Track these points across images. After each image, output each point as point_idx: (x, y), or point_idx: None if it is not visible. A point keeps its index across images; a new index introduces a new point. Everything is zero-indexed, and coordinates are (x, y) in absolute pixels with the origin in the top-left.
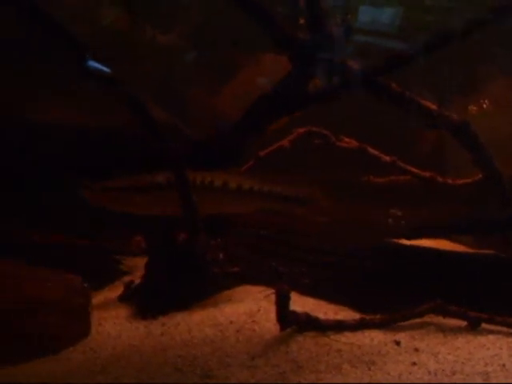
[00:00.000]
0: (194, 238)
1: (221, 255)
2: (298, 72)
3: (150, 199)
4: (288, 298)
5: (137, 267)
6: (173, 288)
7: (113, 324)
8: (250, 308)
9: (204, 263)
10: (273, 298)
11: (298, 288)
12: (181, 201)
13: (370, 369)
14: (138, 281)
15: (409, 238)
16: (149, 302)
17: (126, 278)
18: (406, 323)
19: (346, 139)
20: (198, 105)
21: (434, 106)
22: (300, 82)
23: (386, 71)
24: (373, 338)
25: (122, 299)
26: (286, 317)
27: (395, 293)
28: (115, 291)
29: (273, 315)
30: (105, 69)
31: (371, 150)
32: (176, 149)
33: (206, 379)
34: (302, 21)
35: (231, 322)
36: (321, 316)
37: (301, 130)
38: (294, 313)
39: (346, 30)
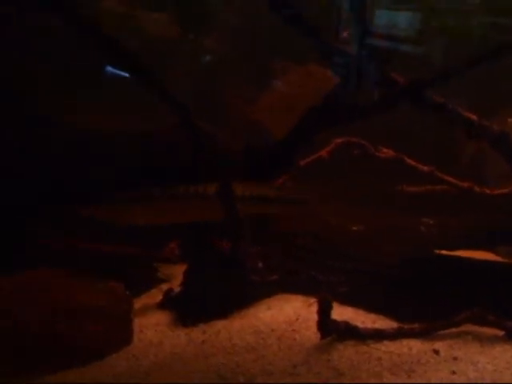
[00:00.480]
0: (236, 247)
1: (260, 263)
2: (345, 84)
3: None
4: (330, 307)
5: (174, 275)
6: (213, 296)
7: (154, 331)
8: (289, 316)
9: (244, 271)
10: (312, 306)
11: (335, 297)
12: (224, 210)
13: (410, 377)
14: (176, 288)
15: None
16: (189, 310)
17: (164, 286)
18: (444, 332)
19: (384, 149)
20: (235, 112)
21: (474, 117)
22: (347, 95)
23: (432, 85)
24: (411, 347)
25: (162, 306)
26: (327, 325)
27: (432, 302)
28: (153, 298)
29: (312, 323)
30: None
31: (408, 161)
32: (222, 159)
33: None
34: (344, 34)
35: (272, 330)
36: (359, 325)
37: (339, 141)
38: (334, 321)
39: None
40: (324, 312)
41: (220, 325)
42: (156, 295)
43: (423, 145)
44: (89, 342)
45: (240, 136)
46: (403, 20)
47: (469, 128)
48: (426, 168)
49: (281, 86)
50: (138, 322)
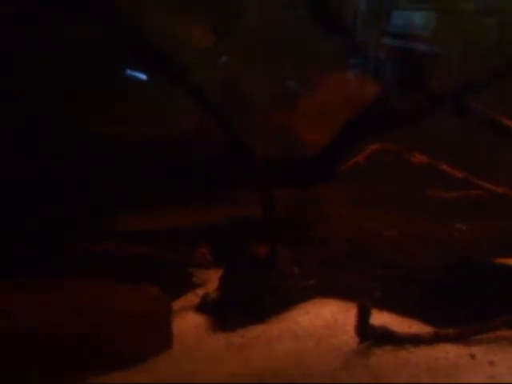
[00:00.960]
0: (275, 253)
1: (296, 268)
2: (386, 93)
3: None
4: (369, 312)
5: (208, 279)
6: (251, 300)
7: (193, 335)
8: (326, 320)
9: (281, 276)
10: (348, 311)
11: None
12: (264, 216)
13: (448, 381)
14: (212, 293)
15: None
16: (227, 314)
17: (199, 290)
18: (480, 337)
19: (418, 155)
20: (269, 121)
21: None
22: (389, 103)
23: (471, 92)
24: (448, 352)
25: (199, 310)
26: (365, 330)
27: (467, 307)
28: (189, 303)
29: (349, 328)
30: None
31: (443, 166)
32: (264, 168)
33: None
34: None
35: (310, 335)
36: (395, 329)
37: (374, 147)
38: (372, 326)
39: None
40: (363, 317)
41: (258, 329)
42: (192, 299)
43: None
44: (130, 346)
45: (275, 143)
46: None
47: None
48: (459, 173)
49: (317, 93)
50: (176, 326)
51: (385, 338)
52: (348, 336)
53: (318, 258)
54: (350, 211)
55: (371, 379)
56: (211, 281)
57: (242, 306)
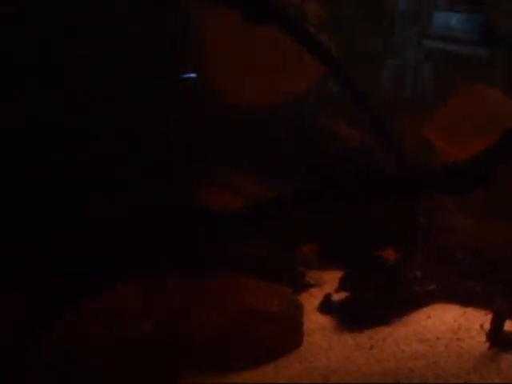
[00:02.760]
0: (408, 259)
1: (419, 273)
2: None
3: None
4: (505, 318)
5: (322, 279)
6: (377, 303)
7: (321, 335)
8: (450, 325)
9: (406, 280)
10: (469, 316)
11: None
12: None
13: None
14: (334, 294)
15: None
16: (355, 316)
17: (314, 290)
18: None
19: None
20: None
21: None
22: None
23: None
24: None
25: (321, 311)
26: (498, 335)
27: None
28: (307, 303)
29: (474, 333)
30: None
31: None
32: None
33: None
34: None
35: (438, 338)
36: None
37: None
38: (504, 332)
39: None
40: (498, 322)
41: (385, 331)
42: (308, 299)
43: None
44: (264, 345)
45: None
46: None
47: None
48: None
49: (454, 105)
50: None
51: None
52: (474, 341)
53: (441, 263)
54: (467, 219)
55: (504, 382)
56: (326, 281)
57: (368, 307)
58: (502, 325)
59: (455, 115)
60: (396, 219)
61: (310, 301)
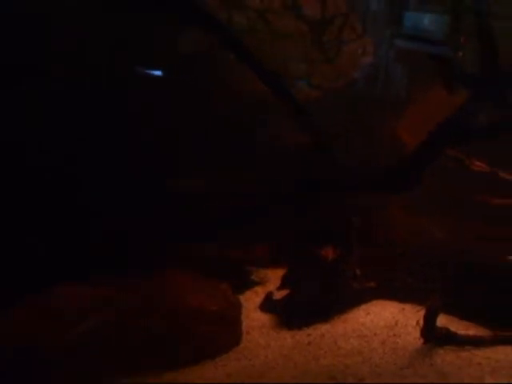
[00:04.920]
0: (346, 256)
1: (358, 270)
2: (469, 106)
3: None
4: (437, 314)
5: (267, 278)
6: (315, 300)
7: (260, 333)
8: (388, 321)
9: (344, 278)
10: (407, 312)
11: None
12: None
13: (510, 382)
14: (275, 292)
15: None
16: (293, 313)
17: (259, 289)
18: None
19: (477, 163)
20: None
21: None
22: (471, 116)
23: None
24: (507, 354)
25: (262, 309)
26: (431, 331)
27: None
28: (250, 301)
29: (410, 329)
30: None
31: (502, 174)
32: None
33: None
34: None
35: (375, 334)
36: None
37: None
38: (436, 327)
39: None
40: (431, 318)
41: (323, 328)
42: (252, 297)
43: None
44: (203, 343)
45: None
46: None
47: None
48: None
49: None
50: (243, 324)
51: (447, 339)
52: (411, 337)
53: (377, 260)
54: (405, 217)
55: (437, 377)
56: (270, 280)
57: (307, 305)
58: (434, 320)
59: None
60: (335, 218)
61: (253, 299)
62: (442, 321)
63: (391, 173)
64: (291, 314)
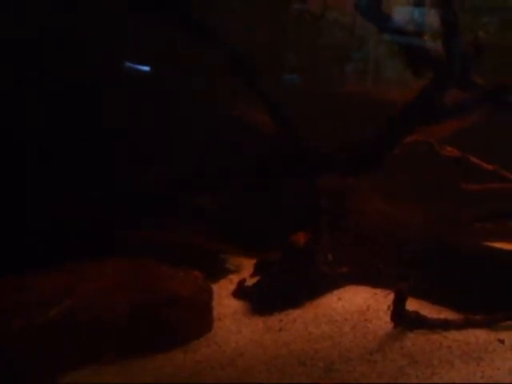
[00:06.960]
0: (316, 240)
1: (330, 256)
2: (434, 85)
3: None
4: (405, 298)
5: (242, 266)
6: (287, 286)
7: (232, 320)
8: (360, 306)
9: (315, 263)
10: (379, 297)
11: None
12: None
13: (479, 364)
14: (248, 279)
15: None
16: (265, 299)
17: (233, 276)
18: (507, 323)
19: (449, 148)
20: None
21: None
22: (436, 96)
23: None
24: (478, 337)
25: (235, 296)
26: (400, 315)
27: (492, 294)
28: (224, 289)
29: (382, 313)
30: None
31: (473, 159)
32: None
33: (330, 372)
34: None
35: (346, 319)
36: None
37: (408, 140)
38: (406, 311)
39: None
40: (399, 302)
41: (295, 314)
42: (226, 285)
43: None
44: (175, 329)
45: None
46: None
47: None
48: (490, 166)
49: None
50: (215, 311)
51: (418, 323)
52: (382, 321)
53: (350, 245)
54: (380, 202)
55: (406, 361)
56: (245, 267)
57: (278, 291)
58: (403, 305)
59: None
60: (303, 202)
61: (227, 287)
62: (414, 305)
63: (352, 155)
64: (262, 300)
